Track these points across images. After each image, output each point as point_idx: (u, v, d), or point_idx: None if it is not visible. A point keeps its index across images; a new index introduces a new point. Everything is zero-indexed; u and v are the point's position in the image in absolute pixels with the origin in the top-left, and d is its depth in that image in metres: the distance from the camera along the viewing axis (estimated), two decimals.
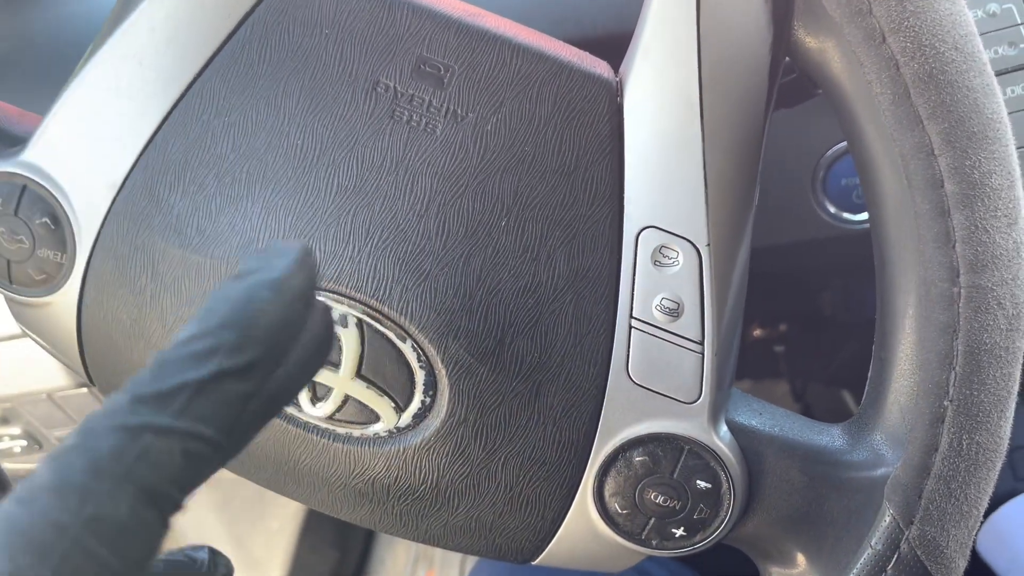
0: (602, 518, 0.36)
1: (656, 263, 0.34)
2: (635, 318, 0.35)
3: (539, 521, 0.37)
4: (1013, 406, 0.33)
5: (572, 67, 0.35)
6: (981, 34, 0.52)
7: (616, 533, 0.36)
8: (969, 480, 0.32)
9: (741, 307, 0.37)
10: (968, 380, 0.32)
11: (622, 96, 0.34)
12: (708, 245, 0.34)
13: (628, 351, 0.35)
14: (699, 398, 0.35)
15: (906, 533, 0.33)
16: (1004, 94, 0.52)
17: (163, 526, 0.19)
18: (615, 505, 0.36)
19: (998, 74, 0.52)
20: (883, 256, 0.34)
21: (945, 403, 0.32)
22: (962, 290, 0.31)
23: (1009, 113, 0.51)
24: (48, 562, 0.17)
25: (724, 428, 0.36)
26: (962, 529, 0.33)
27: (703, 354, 0.35)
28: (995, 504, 0.79)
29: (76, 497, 0.18)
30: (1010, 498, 0.79)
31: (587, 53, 0.36)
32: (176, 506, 0.19)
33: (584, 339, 0.35)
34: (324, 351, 0.23)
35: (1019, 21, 0.52)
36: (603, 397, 0.35)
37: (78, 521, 0.18)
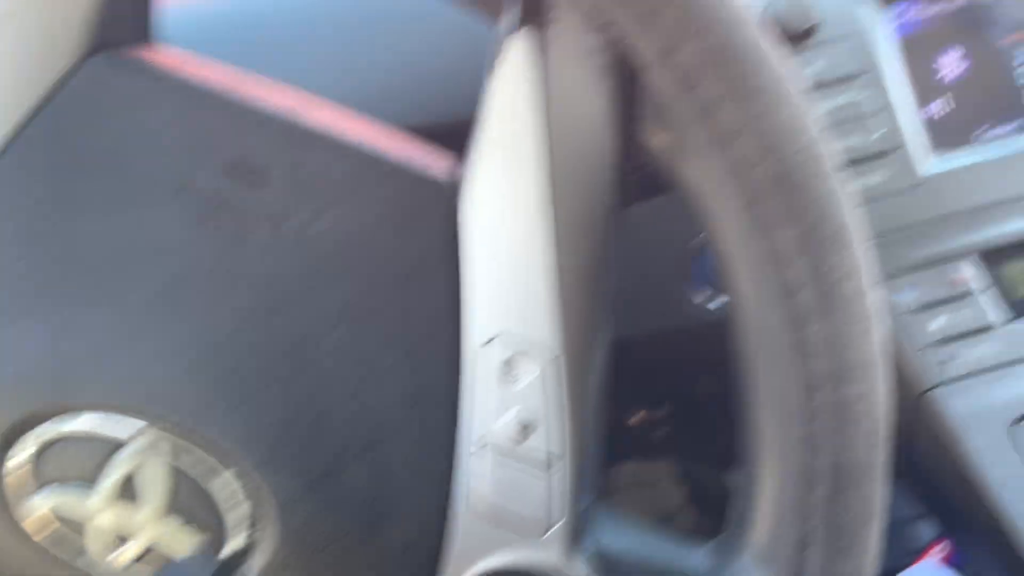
0: None
1: (503, 378, 0.31)
2: (480, 440, 0.32)
3: None
4: (879, 525, 0.31)
5: (402, 169, 0.32)
6: (835, 125, 0.53)
7: None
8: None
9: (600, 418, 0.34)
10: (832, 501, 0.30)
11: (460, 197, 0.32)
12: (561, 356, 0.31)
13: (474, 478, 0.32)
14: (552, 526, 0.32)
15: None
16: (860, 183, 0.52)
17: None
18: None
19: (852, 164, 0.52)
20: (744, 366, 0.32)
21: (812, 525, 0.30)
22: (821, 404, 0.29)
23: (864, 204, 0.52)
24: None
25: (582, 556, 0.33)
26: None
27: (558, 475, 0.32)
28: None
29: None
30: (894, 573, 0.79)
31: (426, 148, 0.33)
32: None
33: (424, 466, 0.31)
34: None
35: (872, 112, 0.52)
36: (447, 531, 0.32)
37: None
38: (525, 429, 0.31)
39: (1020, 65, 0.54)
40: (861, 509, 0.30)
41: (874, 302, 0.30)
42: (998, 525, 0.47)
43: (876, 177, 0.52)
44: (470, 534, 0.32)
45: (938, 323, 0.51)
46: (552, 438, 0.31)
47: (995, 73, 0.54)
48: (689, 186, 0.31)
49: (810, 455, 0.30)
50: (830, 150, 0.30)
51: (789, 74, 0.29)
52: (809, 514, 0.30)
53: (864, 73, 0.53)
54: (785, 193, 0.29)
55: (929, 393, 0.50)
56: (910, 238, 0.52)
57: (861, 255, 0.30)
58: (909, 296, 0.51)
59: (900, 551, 0.82)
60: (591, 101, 0.30)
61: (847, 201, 0.30)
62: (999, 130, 0.54)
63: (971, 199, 0.52)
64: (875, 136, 0.52)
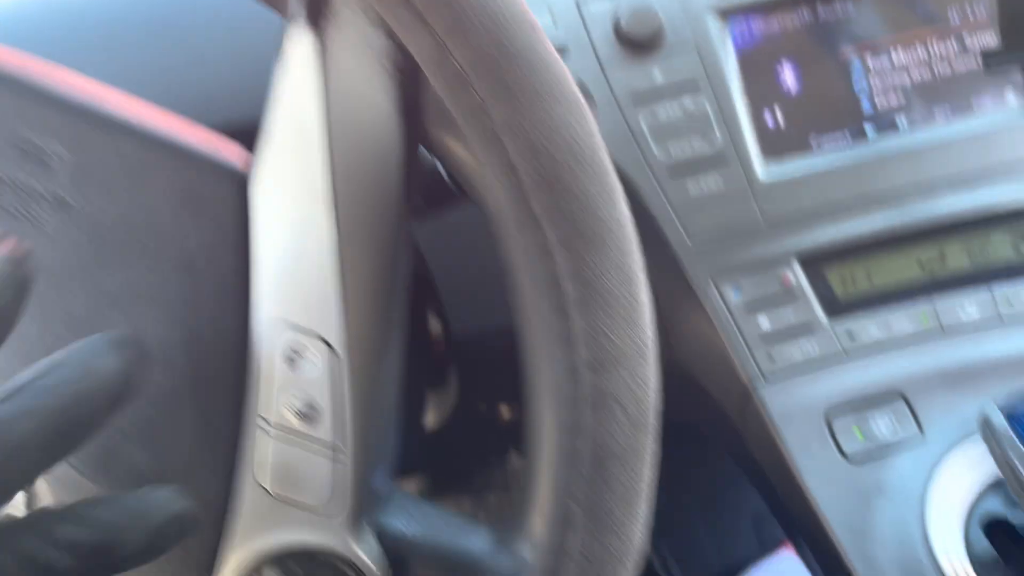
0: None
1: (290, 364, 0.32)
2: (266, 422, 0.32)
3: None
4: (644, 506, 0.33)
5: (195, 154, 0.32)
6: (675, 128, 0.55)
7: None
8: None
9: (392, 407, 0.35)
10: (593, 482, 0.31)
11: (251, 186, 0.32)
12: (345, 345, 0.32)
13: (259, 458, 0.32)
14: (337, 507, 0.33)
15: None
16: (698, 189, 0.54)
17: None
18: None
19: (691, 169, 0.55)
20: (524, 354, 0.34)
21: (574, 506, 0.31)
22: (585, 392, 0.31)
23: (701, 206, 0.55)
24: None
25: (369, 536, 0.34)
26: None
27: (341, 461, 0.33)
28: (739, 570, 0.82)
29: None
30: (753, 563, 0.82)
31: (221, 139, 0.34)
32: None
33: (207, 445, 0.32)
34: None
35: (712, 118, 0.55)
36: (231, 508, 0.33)
37: None
38: (309, 415, 0.32)
39: (858, 76, 0.57)
40: (623, 492, 0.32)
41: (636, 297, 0.31)
42: (813, 518, 0.50)
43: (714, 181, 0.54)
44: (256, 513, 0.33)
45: (766, 321, 0.53)
46: (335, 427, 0.32)
47: (833, 84, 0.57)
48: (469, 184, 0.32)
49: (574, 439, 0.31)
50: (598, 151, 0.31)
51: (563, 76, 0.31)
52: (571, 495, 0.31)
53: (706, 81, 0.55)
54: (552, 192, 0.30)
55: (754, 388, 0.53)
56: (744, 239, 0.54)
57: (625, 253, 0.31)
58: (740, 295, 0.54)
59: (759, 543, 0.86)
60: (374, 96, 0.31)
61: (613, 200, 0.31)
62: (835, 139, 0.57)
63: (801, 205, 0.54)
64: (715, 142, 0.55)
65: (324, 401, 0.32)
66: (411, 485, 0.93)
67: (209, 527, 0.32)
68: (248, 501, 0.32)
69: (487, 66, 0.29)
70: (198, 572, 0.32)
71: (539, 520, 0.33)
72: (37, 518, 0.23)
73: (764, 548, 0.84)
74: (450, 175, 0.43)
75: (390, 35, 0.31)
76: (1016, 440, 0.42)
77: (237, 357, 0.32)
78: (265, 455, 0.32)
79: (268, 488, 0.32)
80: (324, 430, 0.32)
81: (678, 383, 0.60)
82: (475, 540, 0.35)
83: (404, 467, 0.83)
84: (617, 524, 0.32)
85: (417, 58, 0.30)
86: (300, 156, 0.31)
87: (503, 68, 0.29)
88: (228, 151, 0.33)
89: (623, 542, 0.32)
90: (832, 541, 0.49)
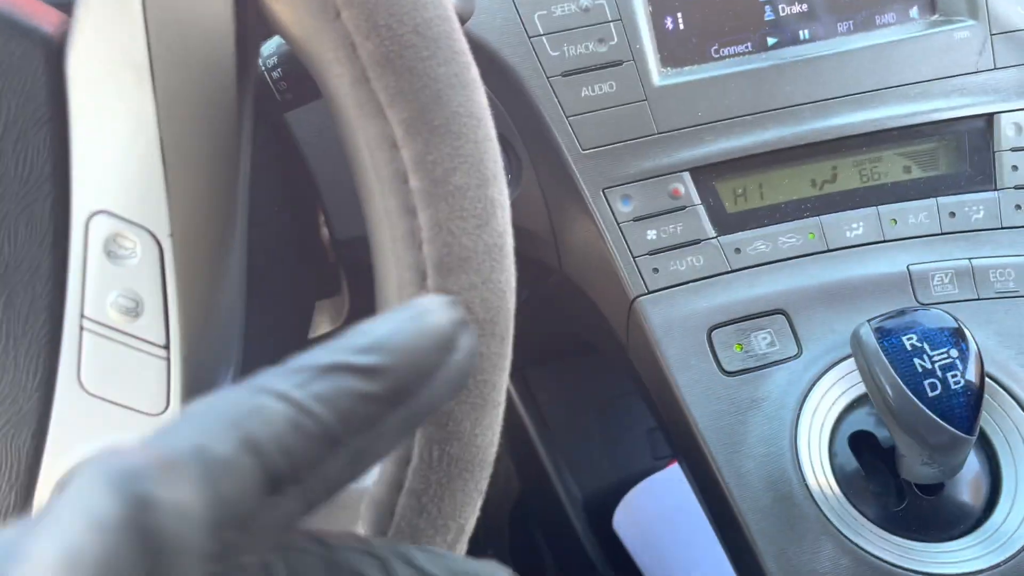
0: None
1: (110, 255, 0.30)
2: (86, 318, 0.30)
3: None
4: (495, 414, 0.31)
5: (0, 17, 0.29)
6: (571, 29, 0.52)
7: None
8: (442, 494, 0.31)
9: (234, 304, 0.33)
10: None
11: (66, 56, 0.29)
12: (170, 235, 0.30)
13: (80, 357, 0.30)
14: (166, 409, 0.31)
15: None
16: (591, 91, 0.52)
17: (265, 484, 0.19)
18: None
19: (585, 71, 0.52)
20: (372, 255, 0.32)
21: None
22: (429, 293, 0.29)
23: (595, 111, 0.53)
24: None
25: None
26: (439, 545, 0.31)
27: (168, 359, 0.30)
28: (633, 483, 0.84)
29: (189, 430, 0.18)
30: (647, 475, 0.84)
31: (38, 1, 0.30)
32: (282, 477, 0.19)
33: (20, 343, 0.30)
34: (458, 387, 0.23)
35: (610, 18, 0.52)
36: (49, 411, 0.30)
37: (187, 447, 0.18)
38: (132, 311, 0.30)
39: None
40: (468, 397, 0.30)
41: (489, 195, 0.30)
42: (689, 431, 0.50)
43: (608, 85, 0.52)
44: (75, 416, 0.30)
45: (654, 233, 0.52)
46: (161, 321, 0.30)
47: None
48: (309, 63, 0.30)
49: None
50: (452, 33, 0.29)
51: None
52: None
53: None
54: (393, 74, 0.28)
55: (638, 300, 0.52)
56: (637, 149, 0.52)
57: (478, 146, 0.29)
58: (629, 206, 0.52)
59: (652, 456, 0.87)
60: None
61: (466, 89, 0.29)
62: (735, 48, 0.55)
63: (696, 115, 0.53)
64: (610, 44, 0.52)
65: (147, 295, 0.30)
66: None
67: (25, 433, 0.30)
68: (67, 404, 0.30)
69: None
70: (17, 477, 0.30)
71: None
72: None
73: (657, 461, 0.85)
74: (290, 62, 0.40)
75: None
76: (883, 356, 0.42)
77: (52, 247, 0.29)
78: (85, 354, 0.30)
79: (89, 389, 0.30)
80: (148, 326, 0.30)
81: (568, 295, 0.59)
82: None
83: None
84: (461, 431, 0.30)
85: None
86: (115, 20, 0.28)
87: None
88: (40, 15, 0.30)
89: (471, 451, 0.31)
90: (705, 453, 0.49)
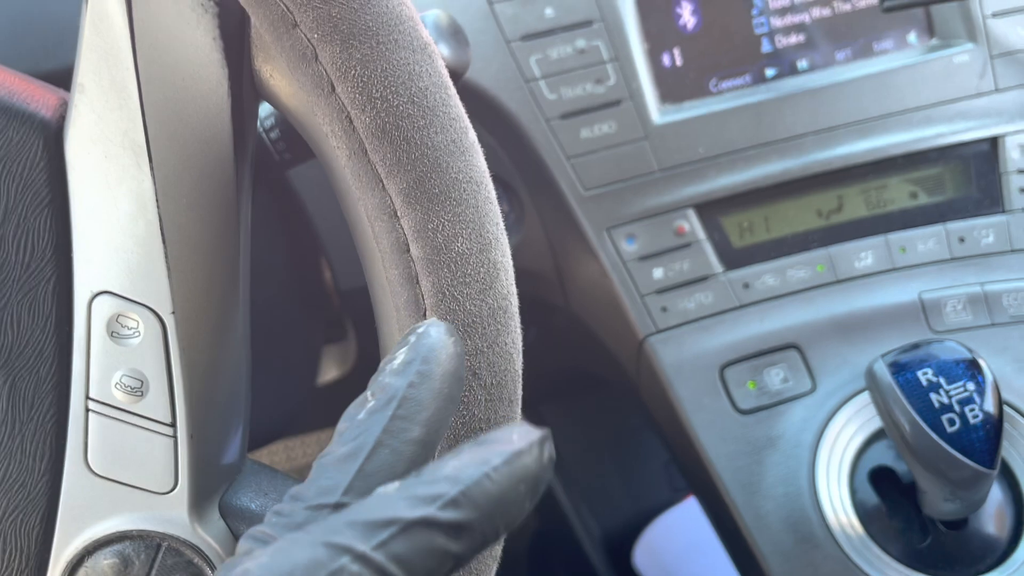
0: None
1: (114, 335, 0.29)
2: (92, 399, 0.30)
3: None
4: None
5: None
6: (568, 71, 0.52)
7: None
8: None
9: (240, 377, 0.33)
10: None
11: (64, 137, 0.29)
12: (173, 313, 0.29)
13: (86, 438, 0.30)
14: (175, 487, 0.30)
15: None
16: (591, 132, 0.52)
17: None
18: None
19: (583, 112, 0.52)
20: (376, 323, 0.31)
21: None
22: None
23: (595, 152, 0.52)
24: None
25: (215, 516, 0.32)
26: None
27: (175, 437, 0.30)
28: (651, 516, 0.82)
29: None
30: (665, 509, 0.83)
31: (32, 84, 0.30)
32: None
33: (26, 427, 0.29)
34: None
35: (606, 58, 0.52)
36: (58, 494, 0.30)
37: None
38: (137, 390, 0.30)
39: (759, 14, 0.55)
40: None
41: (492, 259, 0.29)
42: (705, 472, 0.49)
43: (607, 126, 0.52)
44: (85, 498, 0.30)
45: (660, 271, 0.52)
46: (167, 400, 0.30)
47: (732, 24, 0.54)
48: (307, 136, 0.30)
49: None
50: (448, 100, 0.28)
51: (406, 17, 0.28)
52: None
53: (599, 20, 0.52)
54: (390, 144, 0.27)
55: (648, 340, 0.51)
56: (639, 187, 0.52)
57: (479, 211, 0.29)
58: (634, 244, 0.52)
59: (670, 489, 0.86)
60: (190, 33, 0.28)
61: (464, 154, 0.29)
62: (734, 81, 0.55)
63: (697, 151, 0.52)
64: (608, 84, 0.52)
65: (151, 374, 0.29)
66: (311, 441, 0.91)
67: (35, 518, 0.30)
68: (76, 487, 0.30)
69: (311, 3, 0.26)
70: (27, 563, 0.30)
71: None
72: None
73: (676, 494, 0.84)
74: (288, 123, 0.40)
75: None
76: (898, 391, 0.42)
77: (55, 330, 0.29)
78: (92, 435, 0.30)
79: (97, 471, 0.30)
80: (153, 405, 0.30)
81: (575, 333, 0.58)
82: None
83: (304, 424, 0.80)
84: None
85: None
86: (112, 103, 0.28)
87: (331, 4, 0.26)
88: (38, 99, 0.30)
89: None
90: (722, 495, 0.48)
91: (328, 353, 0.72)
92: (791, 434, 0.48)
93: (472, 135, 0.29)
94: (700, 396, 0.50)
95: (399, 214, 0.28)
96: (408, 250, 0.28)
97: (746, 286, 0.52)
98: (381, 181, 0.28)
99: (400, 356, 0.24)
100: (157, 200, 0.29)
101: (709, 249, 0.52)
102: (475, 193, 0.29)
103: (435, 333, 0.24)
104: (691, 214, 0.52)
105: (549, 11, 0.52)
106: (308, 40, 0.26)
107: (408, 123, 0.27)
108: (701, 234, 0.52)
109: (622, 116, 0.52)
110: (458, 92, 0.53)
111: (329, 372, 0.72)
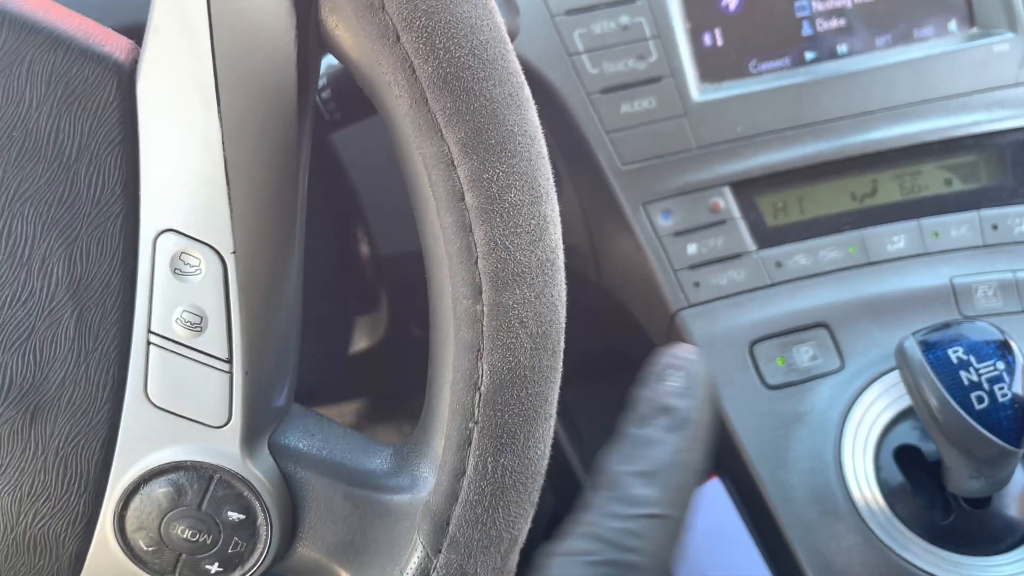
0: (128, 556, 0.32)
1: (176, 271, 0.31)
2: (153, 333, 0.31)
3: (53, 563, 0.32)
4: (547, 426, 0.32)
5: (72, 42, 0.30)
6: (610, 47, 0.53)
7: (145, 571, 0.32)
8: (496, 505, 0.31)
9: (292, 321, 0.34)
10: (492, 401, 0.30)
11: (136, 79, 0.30)
12: (233, 252, 0.31)
13: (146, 370, 0.31)
14: (228, 421, 0.32)
15: (434, 561, 0.31)
16: (631, 107, 0.53)
17: None
18: (140, 542, 0.32)
19: (624, 87, 0.53)
20: (427, 271, 0.32)
21: (471, 425, 0.31)
22: (484, 308, 0.30)
23: (634, 127, 0.53)
24: None
25: (264, 453, 0.33)
26: (492, 555, 0.32)
27: (231, 373, 0.31)
28: None
29: None
30: None
31: (105, 30, 0.31)
32: None
33: (91, 357, 0.31)
34: None
35: (648, 35, 0.53)
36: (118, 422, 0.31)
37: None
38: (197, 326, 0.31)
39: None
40: (524, 413, 0.31)
41: (543, 212, 0.30)
42: (732, 445, 0.50)
43: (647, 102, 0.53)
44: (142, 428, 0.31)
45: (694, 247, 0.53)
46: (224, 338, 0.31)
47: (774, 6, 0.55)
48: (369, 86, 0.31)
49: (472, 357, 0.30)
50: (506, 54, 0.29)
51: None
52: (469, 414, 0.30)
53: None
54: (451, 95, 0.28)
55: (680, 314, 0.52)
56: (676, 164, 0.53)
57: (532, 164, 0.30)
58: (670, 220, 0.53)
59: None
60: None
61: (520, 108, 0.30)
62: (773, 63, 0.55)
63: (735, 130, 0.53)
64: (649, 60, 0.53)
65: (211, 311, 0.31)
66: (343, 411, 0.92)
67: (95, 444, 0.31)
68: (135, 416, 0.31)
69: None
70: (86, 487, 0.31)
71: (439, 440, 0.32)
72: None
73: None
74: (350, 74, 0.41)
75: None
76: (927, 368, 0.42)
77: (121, 265, 0.30)
78: (152, 368, 0.31)
79: (155, 402, 0.31)
80: (212, 341, 0.31)
81: (607, 309, 0.59)
82: (376, 459, 0.34)
83: (333, 393, 0.82)
84: (515, 443, 0.31)
85: None
86: (183, 47, 0.29)
87: None
88: (112, 42, 0.31)
89: (523, 461, 0.31)
90: (748, 468, 0.49)
91: (359, 323, 0.73)
92: (819, 410, 0.49)
93: (527, 91, 0.30)
94: (730, 371, 0.51)
95: (456, 163, 0.29)
96: (463, 199, 0.29)
97: (778, 264, 0.53)
98: (440, 130, 0.29)
99: (678, 380, 0.30)
100: (223, 143, 0.30)
101: (743, 227, 0.53)
102: (529, 147, 0.30)
103: (699, 361, 0.31)
104: (727, 192, 0.53)
105: None
106: None
107: (468, 74, 0.28)
108: (736, 212, 0.53)
109: (662, 93, 0.53)
110: None
111: (360, 342, 0.74)
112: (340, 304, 0.66)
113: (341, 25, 0.30)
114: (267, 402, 0.33)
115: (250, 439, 0.32)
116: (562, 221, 0.57)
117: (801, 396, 0.50)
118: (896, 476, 0.47)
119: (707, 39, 0.54)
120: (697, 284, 0.52)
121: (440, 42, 0.28)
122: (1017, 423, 0.42)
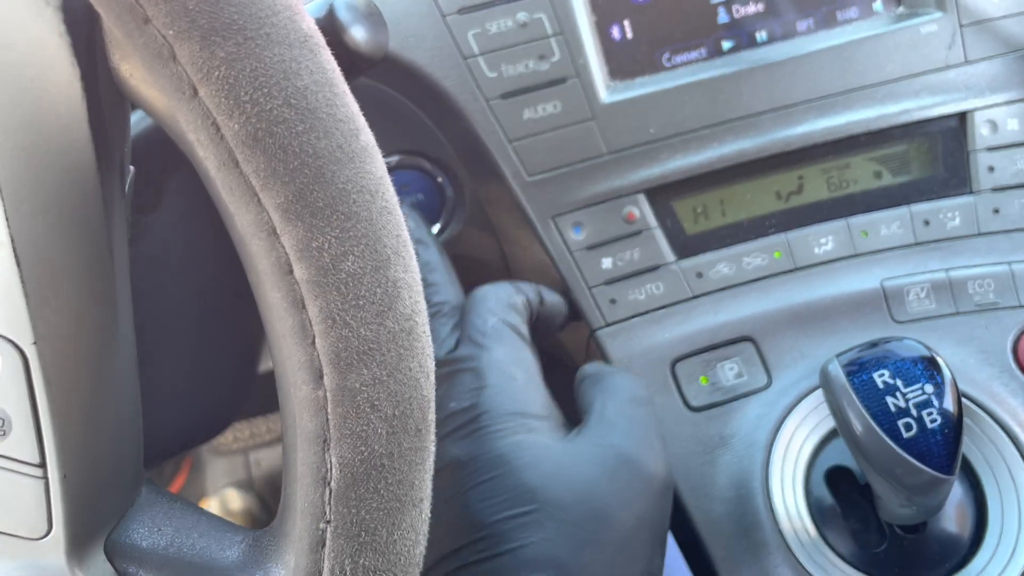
0: None
1: None
2: None
3: None
4: (417, 512, 0.28)
5: None
6: (508, 47, 0.49)
7: None
8: None
9: (126, 407, 0.30)
10: (344, 497, 0.27)
11: None
12: (35, 343, 0.26)
13: None
14: (49, 532, 0.28)
15: None
16: (534, 113, 0.48)
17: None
18: None
19: (526, 91, 0.49)
20: (270, 349, 0.28)
21: (323, 525, 0.27)
22: (328, 393, 0.26)
23: (539, 134, 0.49)
24: None
25: (99, 559, 0.29)
26: None
27: (46, 479, 0.27)
28: None
29: None
30: None
31: None
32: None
33: None
34: None
35: (550, 32, 0.49)
36: None
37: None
38: (0, 427, 0.27)
39: None
40: (383, 501, 0.27)
41: (390, 277, 0.26)
42: None
43: (552, 106, 0.49)
44: None
45: (609, 262, 0.49)
46: (31, 440, 0.27)
47: None
48: (177, 139, 0.26)
49: (318, 449, 0.26)
50: (335, 100, 0.25)
51: (283, 7, 0.24)
52: (320, 513, 0.27)
53: None
54: (263, 154, 0.24)
55: (597, 333, 0.49)
56: (587, 171, 0.49)
57: (373, 224, 0.26)
58: (582, 233, 0.49)
59: None
60: (31, 31, 0.25)
61: (353, 161, 0.25)
62: (688, 55, 0.51)
63: (648, 131, 0.49)
64: (552, 60, 0.49)
65: (14, 411, 0.26)
66: (257, 429, 0.88)
67: None
68: None
69: None
70: None
71: (290, 541, 0.28)
72: None
73: None
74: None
75: None
76: (853, 396, 0.39)
77: None
78: None
79: None
80: (18, 445, 0.27)
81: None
82: (230, 551, 0.30)
83: (249, 410, 0.77)
84: (380, 542, 0.27)
85: None
86: None
87: None
88: None
89: (390, 559, 0.28)
90: (677, 499, 0.46)
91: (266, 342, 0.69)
92: (744, 433, 0.46)
93: (366, 137, 0.26)
94: (651, 393, 0.47)
95: (279, 231, 0.25)
96: (291, 272, 0.25)
97: (699, 275, 0.49)
98: (256, 195, 0.24)
99: None
100: (7, 218, 0.25)
101: (661, 237, 0.49)
102: (368, 204, 0.26)
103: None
104: (642, 199, 0.49)
105: None
106: (163, 37, 0.23)
107: (284, 128, 0.24)
108: (652, 221, 0.49)
109: (568, 95, 0.49)
110: (390, 69, 0.49)
111: (268, 361, 0.70)
112: (243, 325, 0.61)
113: (135, 75, 0.26)
114: (98, 503, 0.29)
115: (78, 546, 0.28)
116: (471, 234, 0.53)
117: (726, 418, 0.47)
118: (827, 499, 0.45)
119: (615, 32, 0.50)
120: (614, 301, 0.49)
121: (246, 94, 0.24)
122: (947, 449, 0.39)
